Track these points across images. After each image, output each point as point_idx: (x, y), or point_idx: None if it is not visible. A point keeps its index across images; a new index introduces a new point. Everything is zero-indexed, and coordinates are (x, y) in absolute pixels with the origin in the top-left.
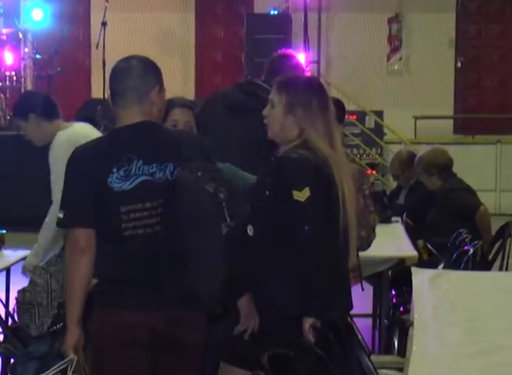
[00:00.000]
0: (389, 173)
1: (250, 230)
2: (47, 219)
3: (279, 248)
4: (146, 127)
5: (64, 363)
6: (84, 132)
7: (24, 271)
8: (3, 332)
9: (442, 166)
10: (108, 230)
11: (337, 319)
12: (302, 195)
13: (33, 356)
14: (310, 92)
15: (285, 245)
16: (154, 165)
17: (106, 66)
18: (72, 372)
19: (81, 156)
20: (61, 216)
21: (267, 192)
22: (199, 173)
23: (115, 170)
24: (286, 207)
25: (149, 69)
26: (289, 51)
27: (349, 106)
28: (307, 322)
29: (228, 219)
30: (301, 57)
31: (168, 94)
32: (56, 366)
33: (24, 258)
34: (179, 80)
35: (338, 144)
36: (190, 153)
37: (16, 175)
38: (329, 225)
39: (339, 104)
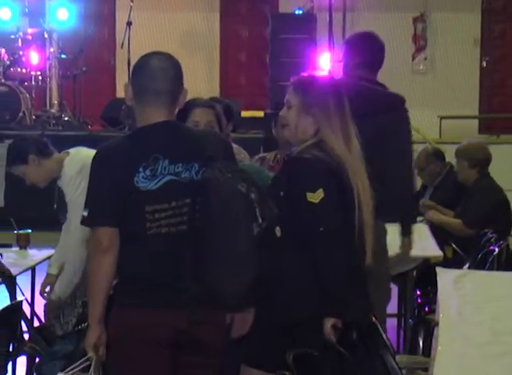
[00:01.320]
0: (414, 168)
1: (278, 232)
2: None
3: (296, 248)
4: (171, 127)
5: (83, 361)
6: (84, 152)
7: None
8: (29, 331)
9: (485, 161)
10: (132, 229)
11: (359, 318)
12: (315, 197)
13: (59, 355)
14: (326, 92)
15: (301, 246)
16: (180, 164)
17: (131, 66)
18: (93, 370)
19: (106, 155)
20: (85, 214)
21: (281, 193)
22: (229, 174)
23: (141, 170)
24: (300, 208)
25: (180, 71)
26: None
27: None
28: (328, 322)
29: (260, 220)
30: (326, 56)
31: (193, 94)
32: (76, 364)
33: (49, 257)
34: (204, 80)
35: (354, 145)
36: (214, 153)
37: None
38: (344, 226)
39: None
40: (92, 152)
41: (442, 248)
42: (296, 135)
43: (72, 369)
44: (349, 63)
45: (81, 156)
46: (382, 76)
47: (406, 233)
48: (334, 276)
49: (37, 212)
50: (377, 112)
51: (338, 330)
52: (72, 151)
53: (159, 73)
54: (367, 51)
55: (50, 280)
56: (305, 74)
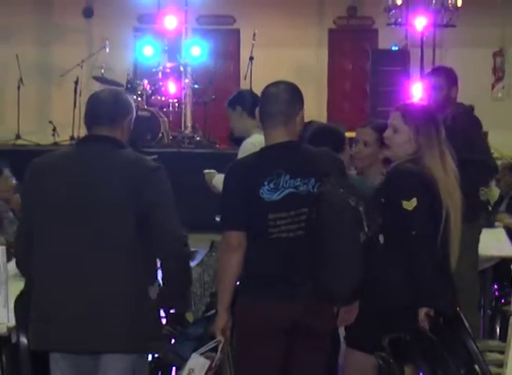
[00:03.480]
0: (493, 181)
1: (381, 239)
2: None
3: (393, 248)
4: (292, 146)
5: (213, 343)
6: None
7: None
8: (166, 317)
9: None
10: (257, 233)
11: (446, 308)
12: (410, 205)
13: (190, 338)
14: (431, 121)
15: (397, 246)
16: (299, 179)
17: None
18: (220, 351)
19: (237, 170)
20: (218, 219)
21: (382, 200)
22: (341, 188)
23: (266, 183)
24: (397, 214)
25: (296, 96)
26: None
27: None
28: (422, 311)
29: (366, 229)
30: (417, 86)
31: (305, 118)
32: (207, 345)
33: None
34: (314, 106)
35: (449, 165)
36: (328, 169)
37: (176, 185)
38: (433, 231)
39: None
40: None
41: None
42: (399, 154)
43: (203, 349)
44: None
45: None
46: (464, 102)
47: None
48: (424, 273)
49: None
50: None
51: (430, 318)
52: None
53: (272, 97)
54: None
55: None
56: (409, 102)
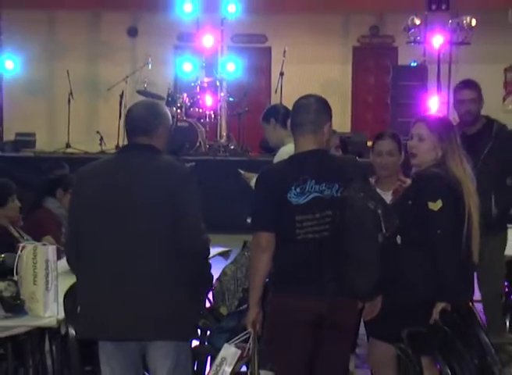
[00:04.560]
0: None
1: (398, 240)
2: None
3: (416, 247)
4: (318, 154)
5: (245, 334)
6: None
7: None
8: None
9: None
10: (285, 234)
11: (462, 303)
12: (435, 206)
13: (224, 329)
14: (451, 129)
15: (421, 245)
16: (324, 184)
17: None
18: (251, 341)
19: (268, 175)
20: (249, 221)
21: (409, 202)
22: (361, 193)
23: (293, 188)
24: (423, 214)
25: (324, 107)
26: None
27: None
28: (440, 305)
29: (384, 231)
30: (434, 99)
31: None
32: (238, 336)
33: (220, 254)
34: (339, 117)
35: (467, 170)
36: (351, 175)
37: (212, 189)
38: (456, 232)
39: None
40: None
41: None
42: (426, 161)
43: (235, 340)
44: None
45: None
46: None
47: None
48: (446, 269)
49: (209, 218)
50: None
51: (447, 313)
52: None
53: (302, 108)
54: None
55: None
56: (429, 114)
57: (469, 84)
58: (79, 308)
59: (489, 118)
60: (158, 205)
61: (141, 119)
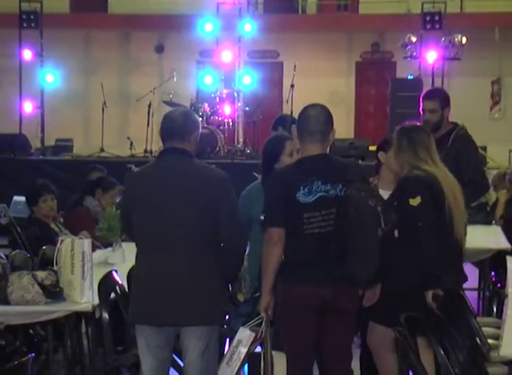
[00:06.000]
0: (491, 187)
1: (396, 233)
2: None
3: (404, 241)
4: (324, 158)
5: (258, 319)
6: None
7: None
8: None
9: None
10: (294, 229)
11: (451, 287)
12: (415, 201)
13: (241, 314)
14: (426, 137)
15: (408, 239)
16: (329, 184)
17: (293, 115)
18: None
19: (278, 177)
20: (262, 218)
21: (395, 202)
22: (362, 192)
23: (301, 188)
24: (405, 210)
25: (329, 117)
26: None
27: None
28: (429, 293)
29: (383, 225)
30: None
31: (336, 135)
32: (253, 320)
33: None
34: (343, 124)
35: (443, 168)
36: (353, 176)
37: None
38: (437, 222)
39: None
40: None
41: (511, 243)
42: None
43: (250, 324)
44: (445, 111)
45: None
46: (467, 121)
47: None
48: (430, 258)
49: None
50: None
51: (440, 298)
52: None
53: (312, 118)
54: None
55: None
56: (407, 124)
57: (429, 95)
58: (131, 296)
59: (455, 124)
60: (198, 203)
61: (179, 125)
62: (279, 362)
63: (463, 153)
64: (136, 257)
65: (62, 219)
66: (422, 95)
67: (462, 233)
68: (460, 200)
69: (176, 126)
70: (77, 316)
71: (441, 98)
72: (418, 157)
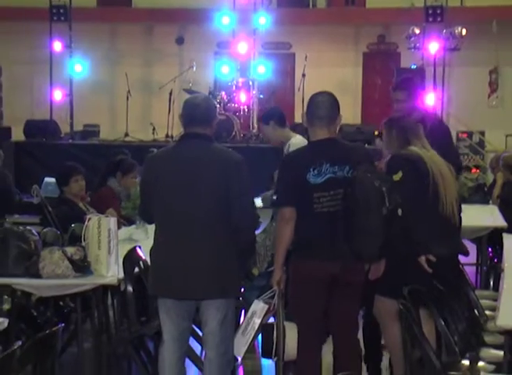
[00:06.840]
0: (489, 169)
1: (399, 212)
2: None
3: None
4: (332, 142)
5: (271, 292)
6: (300, 141)
7: None
8: None
9: None
10: (305, 209)
11: (447, 256)
12: (397, 177)
13: (255, 287)
14: (414, 125)
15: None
16: (337, 166)
17: (304, 102)
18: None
19: (290, 159)
20: (274, 198)
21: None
22: (368, 174)
23: (311, 170)
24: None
25: (336, 104)
26: None
27: (462, 128)
28: (421, 259)
29: (387, 204)
30: (431, 96)
31: (344, 121)
32: (266, 293)
33: None
34: (351, 112)
35: (428, 147)
36: (359, 158)
37: None
38: (420, 195)
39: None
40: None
41: (507, 221)
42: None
43: (264, 296)
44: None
45: (301, 142)
46: (467, 109)
47: None
48: (414, 228)
49: None
50: None
51: (431, 263)
52: (297, 137)
53: (321, 104)
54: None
55: None
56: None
57: (398, 85)
58: (151, 269)
59: (438, 117)
60: (216, 183)
61: (201, 111)
62: (291, 332)
63: (441, 138)
64: (155, 233)
65: (89, 199)
66: (391, 87)
67: (451, 209)
68: (449, 178)
69: (199, 112)
70: (104, 288)
71: (409, 87)
72: (409, 144)
